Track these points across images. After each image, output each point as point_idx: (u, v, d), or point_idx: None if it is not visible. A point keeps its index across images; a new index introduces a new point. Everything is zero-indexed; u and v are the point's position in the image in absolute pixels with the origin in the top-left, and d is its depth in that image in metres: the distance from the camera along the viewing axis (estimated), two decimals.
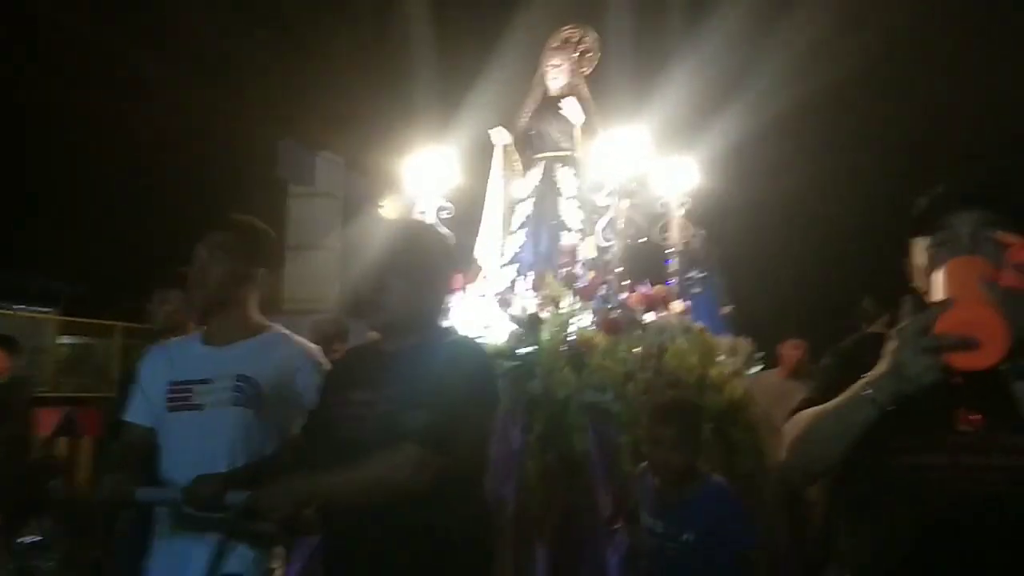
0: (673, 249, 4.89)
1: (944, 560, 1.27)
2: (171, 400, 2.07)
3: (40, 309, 10.26)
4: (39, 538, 4.63)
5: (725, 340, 4.45)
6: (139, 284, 3.38)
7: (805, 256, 8.75)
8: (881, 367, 1.23)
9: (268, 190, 8.33)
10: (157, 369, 2.16)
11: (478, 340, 2.42)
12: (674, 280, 4.81)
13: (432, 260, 1.90)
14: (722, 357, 4.23)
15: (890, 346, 1.22)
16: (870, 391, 1.23)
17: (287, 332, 2.19)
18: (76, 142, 10.24)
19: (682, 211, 4.96)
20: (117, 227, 11.22)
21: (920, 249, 1.42)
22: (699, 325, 4.32)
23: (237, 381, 2.03)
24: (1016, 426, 1.24)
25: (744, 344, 4.56)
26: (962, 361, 1.13)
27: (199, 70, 7.67)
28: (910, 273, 1.46)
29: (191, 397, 2.06)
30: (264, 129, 8.26)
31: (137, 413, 2.14)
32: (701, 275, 5.63)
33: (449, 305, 3.97)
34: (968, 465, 1.27)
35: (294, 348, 2.14)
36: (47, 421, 7.36)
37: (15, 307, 10.14)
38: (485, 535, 1.89)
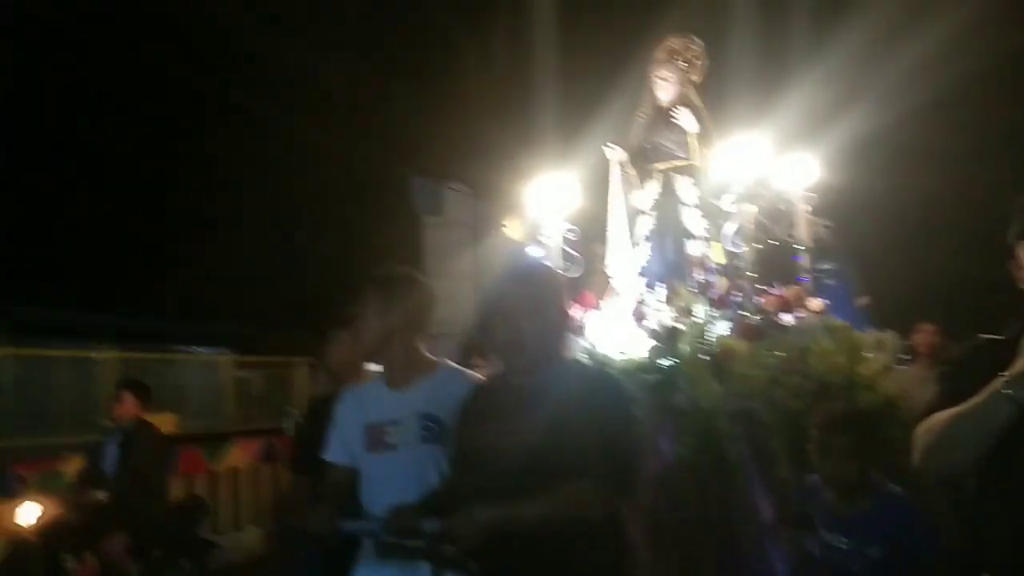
0: (801, 246, 4.83)
1: None
2: (370, 441, 2.32)
3: (216, 350, 11.24)
4: None
5: (870, 335, 4.35)
6: (310, 323, 3.69)
7: (937, 245, 8.36)
8: (1019, 366, 1.25)
9: (405, 223, 8.82)
10: (351, 413, 2.41)
11: (608, 368, 2.51)
12: (807, 277, 4.75)
13: (541, 298, 1.98)
14: (869, 354, 4.14)
15: None
16: (1010, 390, 1.25)
17: (456, 366, 2.41)
18: (233, 193, 11.12)
19: (807, 207, 4.89)
20: (273, 268, 12.10)
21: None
22: (841, 322, 4.25)
23: (424, 420, 2.26)
24: None
25: (890, 338, 4.44)
26: None
27: (336, 118, 8.24)
28: (1019, 276, 1.45)
29: (385, 438, 2.30)
30: (397, 167, 8.74)
31: (337, 453, 2.40)
32: (833, 267, 5.53)
33: (574, 332, 4.10)
34: None
35: (465, 381, 2.33)
36: (243, 453, 7.94)
37: (194, 349, 11.17)
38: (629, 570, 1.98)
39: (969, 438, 1.35)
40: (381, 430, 2.31)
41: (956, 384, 1.48)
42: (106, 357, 8.79)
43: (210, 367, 10.27)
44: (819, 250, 5.46)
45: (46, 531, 4.96)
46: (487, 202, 8.30)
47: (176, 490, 6.54)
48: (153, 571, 4.98)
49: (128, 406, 5.20)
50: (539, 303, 1.97)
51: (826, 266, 5.57)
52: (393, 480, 2.25)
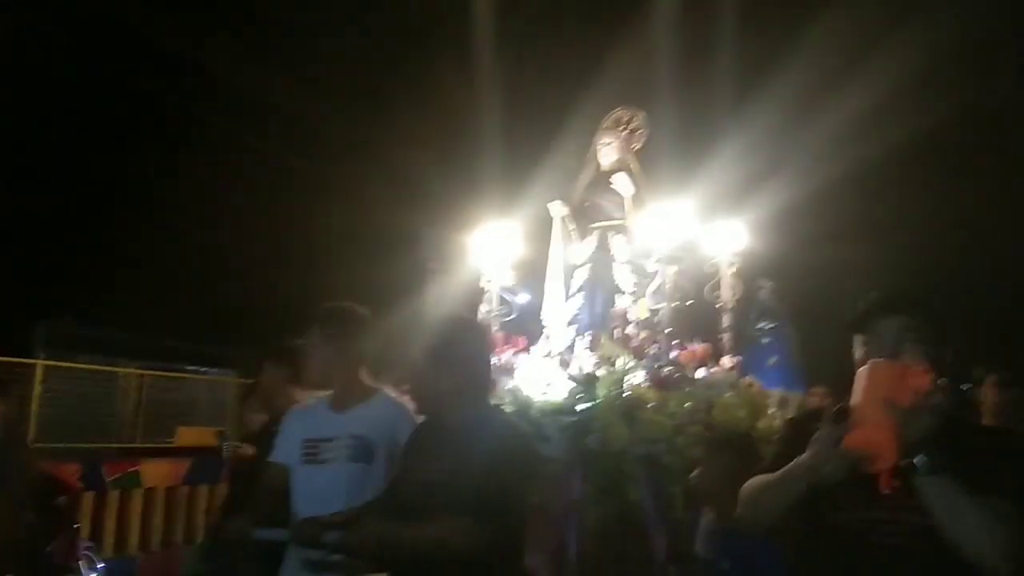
0: (723, 306, 5.21)
1: None
2: (304, 454, 2.58)
3: (221, 371, 11.56)
4: None
5: (776, 393, 4.70)
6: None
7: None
8: (806, 459, 1.57)
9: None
10: (295, 426, 2.68)
11: (515, 418, 2.74)
12: (726, 336, 5.12)
13: (462, 350, 2.15)
14: (772, 410, 4.49)
15: (811, 446, 1.58)
16: (801, 472, 1.58)
17: (391, 394, 2.67)
18: (254, 238, 11.49)
19: (732, 270, 5.30)
20: (279, 301, 12.41)
21: (857, 345, 1.72)
22: (747, 380, 4.60)
23: (353, 440, 2.51)
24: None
25: (795, 397, 4.81)
26: (862, 466, 1.50)
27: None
28: (853, 365, 1.71)
29: (318, 453, 2.56)
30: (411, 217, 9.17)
31: (280, 454, 2.64)
32: (771, 326, 5.90)
33: (497, 378, 4.37)
34: (884, 519, 1.56)
35: (397, 407, 2.60)
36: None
37: (200, 370, 11.43)
38: None
39: (774, 500, 1.67)
40: (316, 445, 2.56)
41: (788, 446, 1.76)
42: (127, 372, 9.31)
43: (217, 387, 10.62)
44: (758, 310, 5.86)
45: None
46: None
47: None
48: None
49: None
50: (454, 356, 2.13)
51: (764, 324, 5.97)
52: (320, 493, 2.47)
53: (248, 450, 3.68)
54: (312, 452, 2.55)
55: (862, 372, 1.58)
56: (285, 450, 2.63)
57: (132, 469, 7.37)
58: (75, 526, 4.98)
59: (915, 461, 1.48)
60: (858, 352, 1.71)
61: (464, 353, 2.21)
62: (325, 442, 2.54)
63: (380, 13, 9.54)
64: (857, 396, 1.55)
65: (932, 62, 7.60)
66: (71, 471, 6.46)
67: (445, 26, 9.28)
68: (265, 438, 2.86)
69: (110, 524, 7.03)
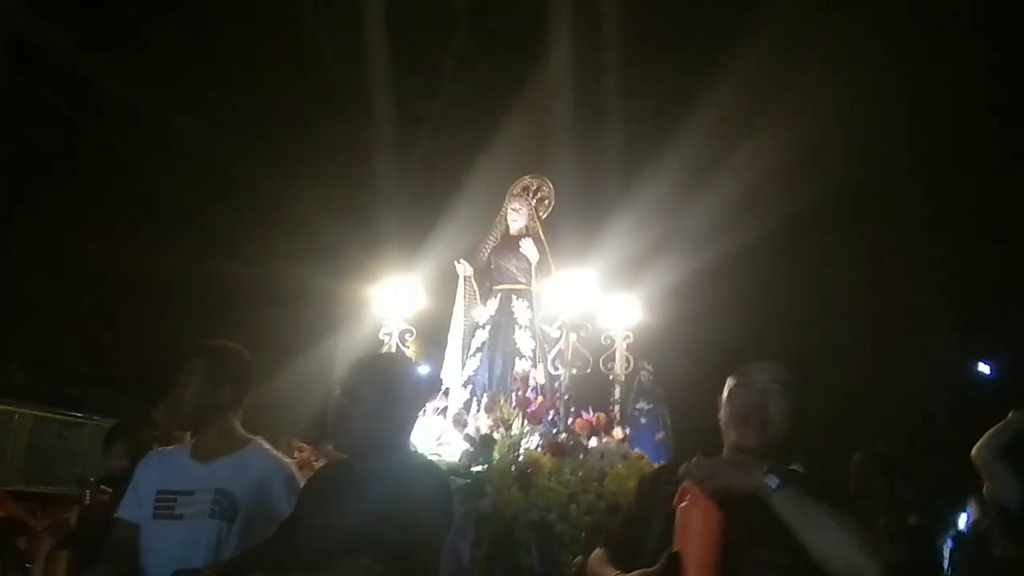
0: (615, 379, 5.35)
1: None
2: (157, 508, 2.31)
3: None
4: None
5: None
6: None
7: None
8: None
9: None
10: (150, 475, 2.41)
11: (436, 463, 2.65)
12: (616, 408, 5.23)
13: (395, 388, 2.08)
14: None
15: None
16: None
17: (266, 447, 2.44)
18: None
19: (625, 344, 5.46)
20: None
21: (728, 386, 1.81)
22: (637, 452, 4.71)
23: (216, 495, 2.27)
24: None
25: None
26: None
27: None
28: (718, 406, 1.83)
29: (174, 507, 2.30)
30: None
31: (127, 510, 2.37)
32: (648, 406, 6.12)
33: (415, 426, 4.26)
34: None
35: (270, 462, 2.38)
36: None
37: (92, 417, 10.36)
38: None
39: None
40: (172, 498, 2.31)
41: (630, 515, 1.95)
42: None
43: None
44: (638, 390, 6.07)
45: None
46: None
47: None
48: None
49: None
50: (385, 393, 2.03)
51: (641, 405, 6.18)
52: (170, 549, 2.24)
53: (104, 496, 3.35)
54: (167, 505, 2.30)
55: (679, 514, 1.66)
56: (133, 504, 2.36)
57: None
58: (27, 566, 4.44)
59: (765, 481, 1.54)
60: (726, 393, 1.79)
61: (410, 391, 2.12)
62: (184, 495, 2.30)
63: (285, 65, 9.46)
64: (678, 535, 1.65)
65: (818, 137, 8.38)
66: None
67: (354, 83, 9.32)
68: (124, 485, 2.58)
69: None
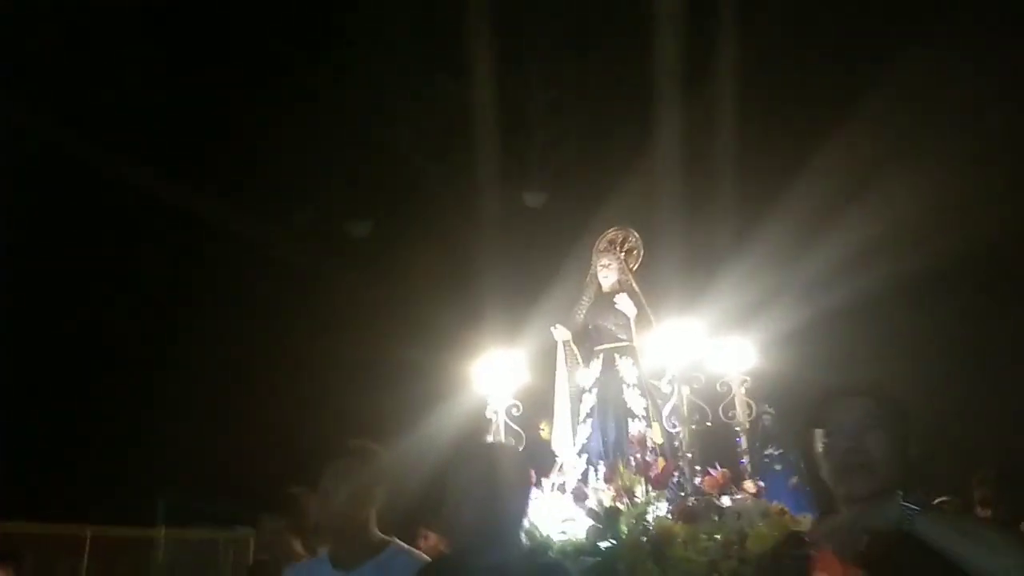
0: (739, 428, 4.98)
1: None
2: None
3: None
4: None
5: (805, 518, 4.40)
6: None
7: None
8: None
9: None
10: None
11: (560, 564, 2.48)
12: (745, 459, 4.86)
13: (504, 482, 1.98)
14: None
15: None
16: None
17: (404, 547, 2.37)
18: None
19: (743, 389, 5.11)
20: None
21: (818, 440, 1.66)
22: (776, 505, 4.31)
23: None
24: None
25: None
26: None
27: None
28: (813, 462, 1.67)
29: None
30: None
31: None
32: (777, 452, 5.69)
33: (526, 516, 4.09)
34: None
35: (413, 562, 2.30)
36: None
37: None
38: None
39: None
40: None
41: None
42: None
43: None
44: (763, 437, 5.67)
45: None
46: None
47: None
48: None
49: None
50: (494, 486, 1.96)
51: (771, 451, 5.75)
52: None
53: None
54: None
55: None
56: None
57: None
58: None
59: (903, 509, 1.45)
60: (821, 450, 1.66)
61: (511, 483, 2.01)
62: None
63: (378, 142, 9.85)
64: None
65: (940, 192, 7.89)
66: None
67: (446, 160, 9.57)
68: None
69: None
